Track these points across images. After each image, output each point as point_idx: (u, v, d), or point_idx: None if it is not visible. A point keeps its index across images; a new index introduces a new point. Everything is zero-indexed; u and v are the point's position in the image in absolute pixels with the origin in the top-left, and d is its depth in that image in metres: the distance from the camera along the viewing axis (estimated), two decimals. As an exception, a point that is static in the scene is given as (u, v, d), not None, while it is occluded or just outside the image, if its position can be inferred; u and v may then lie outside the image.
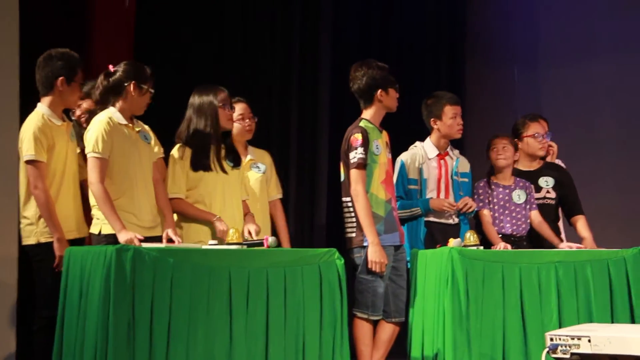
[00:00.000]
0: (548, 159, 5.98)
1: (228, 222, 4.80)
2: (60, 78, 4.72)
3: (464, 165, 5.62)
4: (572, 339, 3.52)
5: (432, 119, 5.54)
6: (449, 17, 7.93)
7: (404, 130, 6.50)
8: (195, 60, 6.64)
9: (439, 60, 7.83)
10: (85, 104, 5.07)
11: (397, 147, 5.56)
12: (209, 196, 4.89)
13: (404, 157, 5.54)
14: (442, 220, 5.45)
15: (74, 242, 4.67)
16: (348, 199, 5.08)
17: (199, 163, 4.87)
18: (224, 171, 4.93)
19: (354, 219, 5.05)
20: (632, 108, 7.63)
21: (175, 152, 4.91)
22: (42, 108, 4.75)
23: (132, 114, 4.73)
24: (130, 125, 4.70)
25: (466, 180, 5.59)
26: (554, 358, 3.59)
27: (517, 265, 4.88)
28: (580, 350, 3.50)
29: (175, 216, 4.87)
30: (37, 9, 5.73)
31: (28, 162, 4.65)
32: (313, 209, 7.05)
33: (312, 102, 7.19)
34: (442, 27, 7.88)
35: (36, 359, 4.59)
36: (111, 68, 4.68)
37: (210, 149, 4.91)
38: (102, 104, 4.66)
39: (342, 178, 5.16)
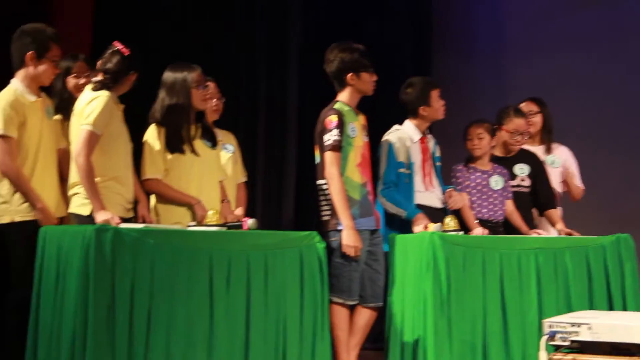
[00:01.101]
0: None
1: (205, 205, 4.70)
2: (29, 53, 4.59)
3: (437, 150, 5.57)
4: (572, 326, 3.48)
5: (420, 107, 5.43)
6: (416, 8, 7.85)
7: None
8: (159, 41, 6.47)
9: (406, 51, 7.74)
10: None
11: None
12: (186, 178, 4.77)
13: (390, 139, 5.39)
14: (430, 204, 5.37)
15: (51, 223, 4.54)
16: (323, 181, 5.00)
17: (174, 144, 4.75)
18: (198, 152, 4.81)
19: (329, 202, 4.97)
20: (597, 100, 7.67)
21: (151, 132, 4.79)
22: (15, 83, 4.62)
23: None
24: (121, 105, 4.62)
25: (439, 164, 5.53)
26: (553, 345, 3.56)
27: (497, 251, 4.84)
28: (580, 338, 3.46)
29: (152, 198, 4.75)
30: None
31: None
32: (281, 193, 6.94)
33: (281, 84, 7.08)
34: (410, 18, 7.79)
35: (8, 340, 4.42)
36: (123, 49, 4.55)
37: (183, 129, 4.78)
38: (114, 83, 4.54)
39: (317, 160, 5.07)
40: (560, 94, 7.66)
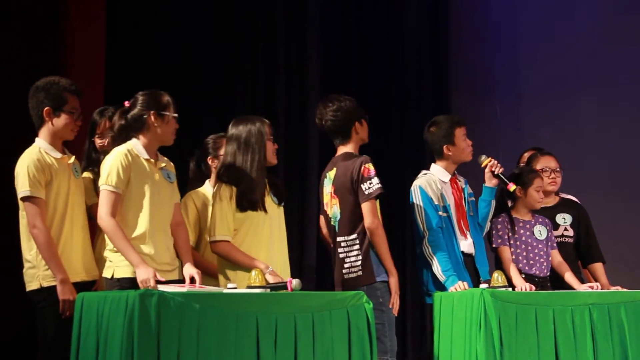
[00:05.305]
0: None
1: (275, 265, 4.51)
2: (46, 109, 4.41)
3: (468, 188, 5.32)
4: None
5: (445, 146, 5.18)
6: (433, 51, 7.75)
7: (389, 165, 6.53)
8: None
9: (423, 95, 7.63)
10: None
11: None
12: (255, 237, 4.56)
13: (419, 182, 5.12)
14: (467, 251, 5.11)
15: (82, 286, 4.31)
16: (352, 236, 4.82)
17: (247, 202, 4.53)
18: (267, 210, 4.59)
19: (359, 257, 4.79)
20: (616, 143, 7.55)
21: (221, 190, 4.56)
22: (39, 142, 4.45)
23: (161, 145, 4.42)
24: (153, 160, 4.36)
25: (473, 199, 5.29)
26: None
27: (550, 308, 4.65)
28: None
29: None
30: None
31: (24, 199, 4.29)
32: (302, 250, 6.71)
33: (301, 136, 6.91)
34: (425, 61, 7.70)
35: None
36: (127, 104, 4.37)
37: (257, 186, 4.56)
38: (121, 141, 4.34)
39: (338, 215, 4.88)
40: (578, 137, 7.56)
